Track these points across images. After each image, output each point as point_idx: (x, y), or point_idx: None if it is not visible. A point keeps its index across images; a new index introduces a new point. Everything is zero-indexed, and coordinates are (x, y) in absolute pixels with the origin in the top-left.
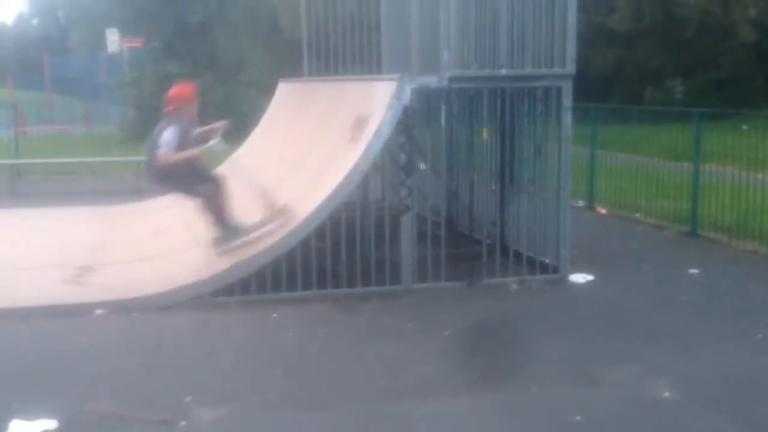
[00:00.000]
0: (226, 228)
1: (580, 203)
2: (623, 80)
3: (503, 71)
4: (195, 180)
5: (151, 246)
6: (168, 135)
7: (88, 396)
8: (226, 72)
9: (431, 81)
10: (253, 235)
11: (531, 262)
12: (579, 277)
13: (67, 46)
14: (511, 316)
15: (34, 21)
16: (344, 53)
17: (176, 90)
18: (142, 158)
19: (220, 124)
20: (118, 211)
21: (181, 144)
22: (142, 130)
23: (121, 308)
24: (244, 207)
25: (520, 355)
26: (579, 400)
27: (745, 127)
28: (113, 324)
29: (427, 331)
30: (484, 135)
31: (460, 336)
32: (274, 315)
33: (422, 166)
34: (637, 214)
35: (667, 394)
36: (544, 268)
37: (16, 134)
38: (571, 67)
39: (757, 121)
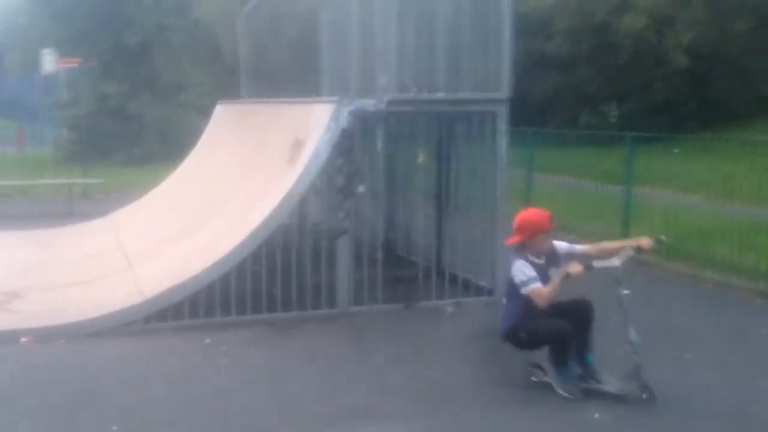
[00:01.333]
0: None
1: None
2: (560, 105)
3: (440, 95)
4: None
5: (83, 270)
6: (520, 269)
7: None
8: (164, 93)
9: (369, 104)
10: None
11: (467, 284)
12: None
13: (2, 68)
14: (446, 338)
15: None
16: (283, 76)
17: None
18: (76, 181)
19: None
20: (50, 234)
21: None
22: (78, 150)
23: (47, 336)
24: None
25: (453, 377)
26: (516, 422)
27: (676, 150)
28: (38, 353)
29: (361, 354)
30: (420, 159)
31: (395, 359)
32: (207, 340)
33: (361, 188)
34: (571, 236)
35: (596, 415)
36: (480, 291)
37: None
38: (506, 92)
39: (686, 143)
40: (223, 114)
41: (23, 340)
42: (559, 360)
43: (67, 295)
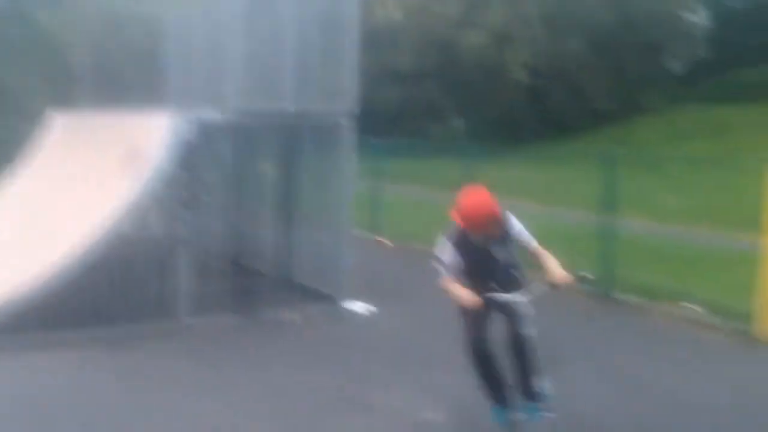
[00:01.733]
0: None
1: (368, 235)
2: (409, 117)
3: (285, 106)
4: None
5: None
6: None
7: None
8: (6, 102)
9: (212, 115)
10: None
11: (313, 294)
12: (361, 307)
13: None
14: (288, 348)
15: None
16: (126, 82)
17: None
18: None
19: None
20: None
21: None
22: None
23: None
24: None
25: (293, 386)
26: (350, 428)
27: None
28: None
29: (200, 370)
30: (262, 170)
31: (235, 373)
32: (32, 360)
33: (205, 198)
34: (416, 244)
35: (430, 415)
36: (325, 300)
37: None
38: (352, 104)
39: (523, 154)
40: (57, 123)
41: None
42: (487, 393)
43: None
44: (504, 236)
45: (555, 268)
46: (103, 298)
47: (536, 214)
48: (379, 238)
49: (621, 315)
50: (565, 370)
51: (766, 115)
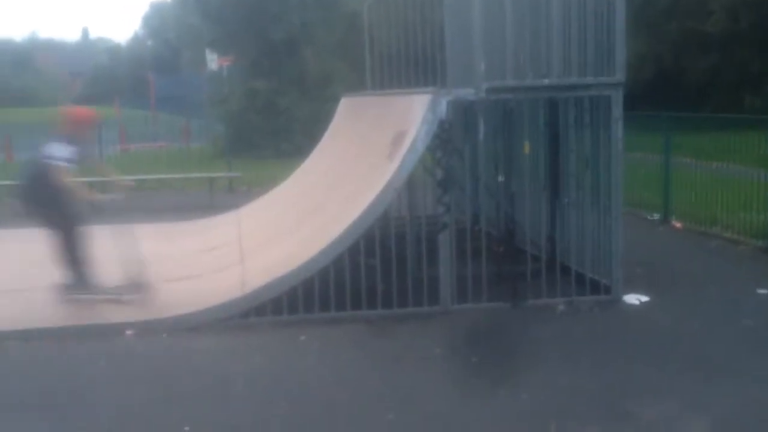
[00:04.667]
0: (79, 276)
1: (655, 216)
2: (720, 87)
3: (545, 81)
4: (62, 208)
5: (200, 264)
6: (62, 150)
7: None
8: (311, 88)
9: (468, 93)
10: (103, 297)
11: (582, 281)
12: (633, 299)
13: (178, 66)
14: (550, 341)
15: (149, 42)
16: (406, 65)
17: (76, 113)
18: (215, 174)
19: (126, 183)
20: (182, 227)
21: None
22: (231, 145)
23: (149, 329)
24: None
25: (548, 385)
26: None
27: None
28: (139, 346)
29: (455, 357)
30: (525, 149)
31: (489, 363)
32: (302, 337)
33: (500, 178)
34: (714, 229)
35: None
36: (595, 288)
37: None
38: (620, 76)
39: None
40: (345, 107)
41: (128, 332)
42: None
43: (177, 289)
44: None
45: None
46: (367, 280)
47: None
48: (670, 220)
49: None
50: None
51: None
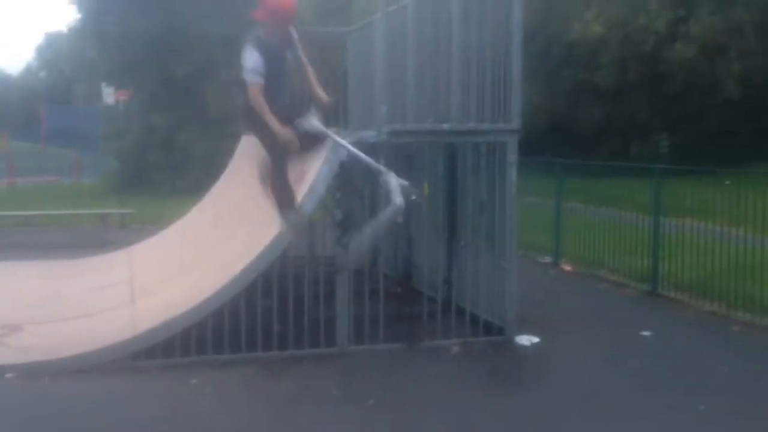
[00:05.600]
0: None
1: (547, 259)
2: (610, 135)
3: (445, 126)
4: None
5: (88, 304)
6: (250, 57)
7: None
8: (212, 125)
9: (369, 135)
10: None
11: (476, 322)
12: (525, 340)
13: (72, 98)
14: (444, 382)
15: (42, 74)
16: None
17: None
18: (107, 211)
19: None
20: (70, 266)
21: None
22: (125, 181)
23: (32, 372)
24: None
25: (442, 425)
26: None
27: (727, 182)
28: (19, 390)
29: (351, 398)
30: (425, 191)
31: (386, 404)
32: (194, 380)
33: (399, 220)
34: (601, 272)
35: None
36: (489, 329)
37: None
38: (516, 122)
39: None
40: (245, 145)
41: (8, 375)
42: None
43: (63, 330)
44: (290, 41)
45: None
46: (263, 321)
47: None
48: (560, 263)
49: None
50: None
51: None
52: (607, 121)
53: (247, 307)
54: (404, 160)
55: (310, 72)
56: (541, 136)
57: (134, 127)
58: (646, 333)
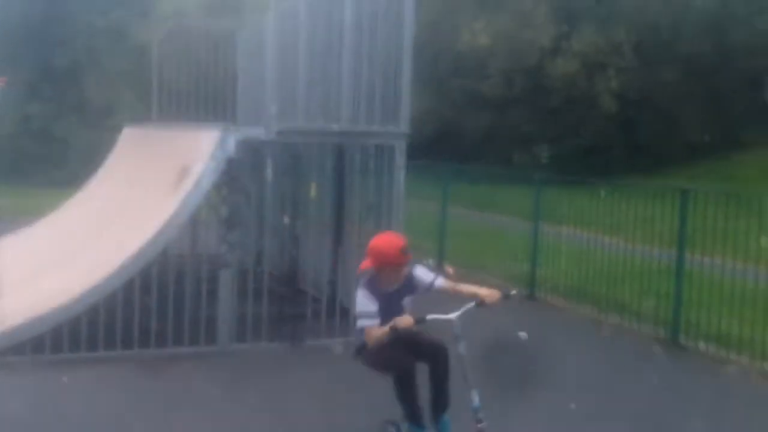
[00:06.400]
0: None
1: (430, 261)
2: (495, 143)
3: (335, 126)
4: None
5: None
6: (359, 302)
7: None
8: (93, 116)
9: (258, 133)
10: None
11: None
12: None
13: None
14: (325, 381)
15: None
16: (196, 101)
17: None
18: None
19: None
20: None
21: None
22: None
23: None
24: None
25: (326, 426)
26: None
27: (603, 192)
28: None
29: (232, 398)
30: (312, 191)
31: (267, 403)
32: (65, 379)
33: (286, 220)
34: (481, 275)
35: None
36: None
37: None
38: (405, 127)
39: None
40: (127, 137)
41: None
42: (410, 417)
43: None
44: (411, 287)
45: (479, 288)
46: (140, 318)
47: (612, 247)
48: (444, 266)
49: (685, 362)
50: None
51: None
52: (493, 130)
53: (125, 305)
54: (292, 160)
55: (461, 285)
56: (430, 141)
57: (10, 115)
58: (523, 334)
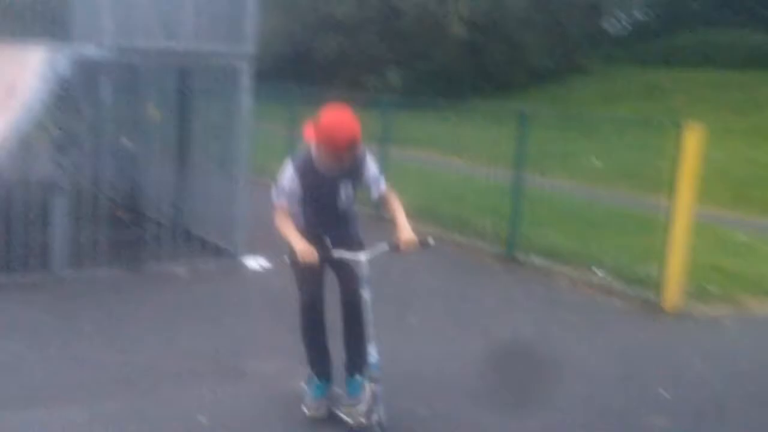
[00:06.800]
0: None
1: (431, 241)
2: (347, 66)
3: (176, 45)
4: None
5: None
6: (282, 177)
7: None
8: None
9: (93, 51)
10: None
11: (206, 247)
12: (255, 264)
13: None
14: (169, 306)
15: None
16: (22, 13)
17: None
18: None
19: None
20: None
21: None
22: None
23: None
24: None
25: (165, 351)
26: (216, 398)
27: (450, 117)
28: None
29: (65, 326)
30: (151, 112)
31: (103, 332)
32: None
33: (125, 142)
34: None
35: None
36: (219, 254)
37: None
38: (250, 47)
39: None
40: None
41: None
42: (311, 365)
43: None
44: (355, 174)
45: (403, 228)
46: None
47: (458, 168)
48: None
49: (520, 275)
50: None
51: (699, 78)
52: (344, 53)
53: None
54: (131, 79)
55: (395, 207)
56: (281, 63)
57: None
58: (431, 240)
